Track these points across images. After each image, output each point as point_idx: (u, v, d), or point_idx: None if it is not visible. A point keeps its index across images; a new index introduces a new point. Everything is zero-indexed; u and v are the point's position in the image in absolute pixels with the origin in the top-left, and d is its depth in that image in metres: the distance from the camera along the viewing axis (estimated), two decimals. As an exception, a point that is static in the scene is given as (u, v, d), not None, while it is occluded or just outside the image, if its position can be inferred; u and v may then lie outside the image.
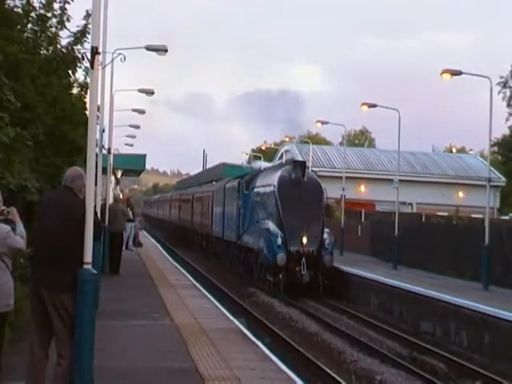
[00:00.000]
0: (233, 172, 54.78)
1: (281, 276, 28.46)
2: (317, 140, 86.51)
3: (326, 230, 30.12)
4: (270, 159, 78.04)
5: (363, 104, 37.01)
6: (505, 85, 40.97)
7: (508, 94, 41.14)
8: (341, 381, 15.40)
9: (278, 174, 31.08)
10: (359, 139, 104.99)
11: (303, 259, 28.46)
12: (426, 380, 16.02)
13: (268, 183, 31.88)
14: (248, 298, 28.26)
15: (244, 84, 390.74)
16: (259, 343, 14.69)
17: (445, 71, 27.18)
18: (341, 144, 79.48)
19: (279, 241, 28.77)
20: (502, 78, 40.77)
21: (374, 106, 36.62)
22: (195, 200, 55.33)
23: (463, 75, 27.43)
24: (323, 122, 47.39)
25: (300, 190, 29.79)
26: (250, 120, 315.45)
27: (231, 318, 17.78)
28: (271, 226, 29.84)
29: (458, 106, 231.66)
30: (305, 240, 28.83)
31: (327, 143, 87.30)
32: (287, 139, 71.16)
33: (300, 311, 25.04)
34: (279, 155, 74.33)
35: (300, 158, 55.39)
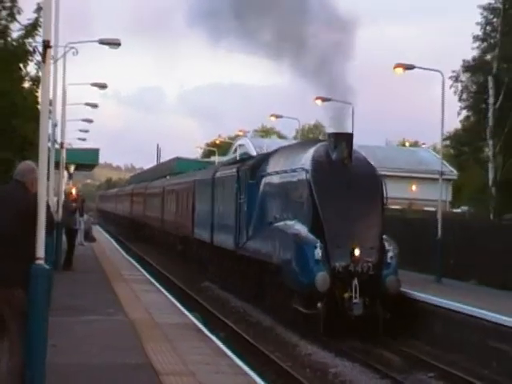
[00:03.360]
0: (187, 166, 54.66)
1: (319, 305, 19.18)
2: (271, 133, 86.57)
3: (385, 236, 20.68)
4: (224, 153, 78.09)
5: (317, 98, 37.10)
6: (456, 79, 41.32)
7: (460, 88, 41.45)
8: (295, 374, 15.45)
9: (311, 152, 21.54)
10: (313, 133, 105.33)
11: (355, 281, 19.26)
12: (381, 373, 16.12)
13: (293, 167, 22.28)
14: (203, 293, 28.19)
15: (195, 77, 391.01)
16: (214, 338, 14.68)
17: (397, 65, 27.35)
18: (295, 138, 79.57)
19: (318, 253, 19.46)
20: (453, 72, 41.08)
21: (328, 99, 36.67)
22: (166, 193, 46.72)
23: (416, 69, 27.63)
24: (277, 116, 47.62)
25: (346, 176, 20.58)
26: (203, 113, 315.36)
27: (186, 312, 17.73)
28: (302, 229, 20.48)
29: (411, 100, 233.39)
30: (357, 252, 19.54)
31: (281, 137, 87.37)
32: (241, 133, 71.16)
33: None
34: (233, 149, 74.36)
35: (254, 153, 55.36)
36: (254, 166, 26.10)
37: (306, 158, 21.62)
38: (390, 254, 20.08)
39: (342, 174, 20.59)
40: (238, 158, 55.82)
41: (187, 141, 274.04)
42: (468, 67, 41.44)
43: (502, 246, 23.65)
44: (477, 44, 41.02)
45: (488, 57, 40.97)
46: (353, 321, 19.12)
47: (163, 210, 47.11)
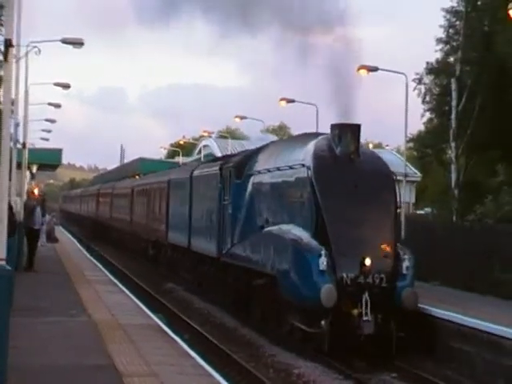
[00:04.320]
0: (150, 167, 54.43)
1: (324, 323, 16.74)
2: (236, 135, 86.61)
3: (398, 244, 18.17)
4: (188, 154, 77.97)
5: (281, 99, 37.25)
6: (420, 81, 41.47)
7: (423, 90, 41.67)
8: (258, 375, 15.45)
9: (311, 147, 18.91)
10: (278, 134, 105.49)
11: (365, 295, 16.81)
12: (344, 373, 16.16)
13: (289, 164, 19.63)
14: (168, 294, 28.07)
15: (156, 77, 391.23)
16: (178, 339, 14.64)
17: (361, 67, 27.39)
18: (260, 139, 79.63)
19: (323, 262, 16.88)
20: (417, 74, 41.26)
21: (292, 101, 36.87)
22: (136, 194, 44.08)
23: (380, 71, 27.78)
24: (242, 117, 47.76)
25: (354, 173, 18.14)
26: (166, 114, 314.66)
27: (150, 314, 17.68)
28: (303, 235, 17.90)
29: (374, 101, 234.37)
30: (368, 261, 16.99)
31: (246, 138, 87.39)
32: (206, 134, 71.01)
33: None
34: (198, 150, 74.24)
35: (219, 153, 55.32)
36: (240, 164, 23.30)
37: (305, 153, 18.90)
38: (405, 264, 17.54)
39: (348, 171, 18.12)
40: (202, 158, 55.81)
41: (151, 141, 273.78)
42: (431, 69, 41.69)
43: (465, 247, 23.83)
44: (440, 46, 41.27)
45: (451, 59, 41.25)
46: (361, 340, 16.80)
47: (132, 212, 44.69)
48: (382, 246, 17.49)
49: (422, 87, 41.40)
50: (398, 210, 18.97)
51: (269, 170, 21.07)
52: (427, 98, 41.61)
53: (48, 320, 16.00)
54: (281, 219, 19.57)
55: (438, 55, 41.11)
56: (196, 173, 28.82)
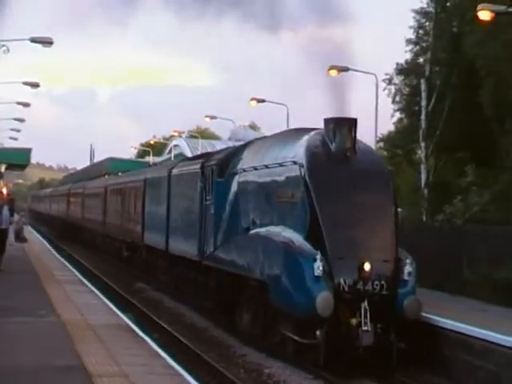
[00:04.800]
0: (120, 166, 54.27)
1: (318, 333, 15.46)
2: (206, 135, 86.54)
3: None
4: (158, 153, 77.77)
5: (252, 99, 37.28)
6: (390, 81, 41.61)
7: (393, 90, 41.80)
8: (229, 375, 15.43)
9: (304, 143, 17.72)
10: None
11: (364, 303, 15.54)
12: (314, 373, 16.16)
13: (279, 161, 18.28)
14: (137, 294, 27.97)
15: (128, 78, 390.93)
16: (148, 339, 14.59)
17: (332, 67, 27.41)
18: (229, 139, 79.63)
19: (318, 267, 15.54)
20: (387, 74, 41.39)
21: (263, 101, 36.92)
22: (109, 194, 42.58)
23: (350, 71, 27.79)
24: (212, 117, 47.86)
25: (350, 171, 16.93)
26: (137, 114, 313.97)
27: (119, 313, 17.60)
28: (295, 237, 16.60)
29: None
30: (367, 266, 15.71)
31: (216, 138, 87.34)
32: (176, 133, 70.85)
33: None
34: (168, 150, 74.09)
35: (189, 153, 55.23)
36: (223, 162, 21.96)
37: (297, 150, 17.63)
38: (407, 269, 16.26)
39: (344, 169, 16.89)
40: (172, 158, 55.72)
41: (121, 141, 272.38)
42: (401, 70, 41.84)
43: (435, 248, 23.94)
44: (409, 47, 41.42)
45: (420, 60, 41.42)
46: (360, 352, 15.54)
47: (105, 212, 43.06)
48: (382, 250, 16.28)
49: (392, 87, 41.54)
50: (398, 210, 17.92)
51: (255, 168, 19.71)
52: (397, 99, 41.78)
53: (17, 320, 15.88)
54: (269, 220, 18.35)
55: (408, 56, 41.29)
56: (175, 171, 27.38)
